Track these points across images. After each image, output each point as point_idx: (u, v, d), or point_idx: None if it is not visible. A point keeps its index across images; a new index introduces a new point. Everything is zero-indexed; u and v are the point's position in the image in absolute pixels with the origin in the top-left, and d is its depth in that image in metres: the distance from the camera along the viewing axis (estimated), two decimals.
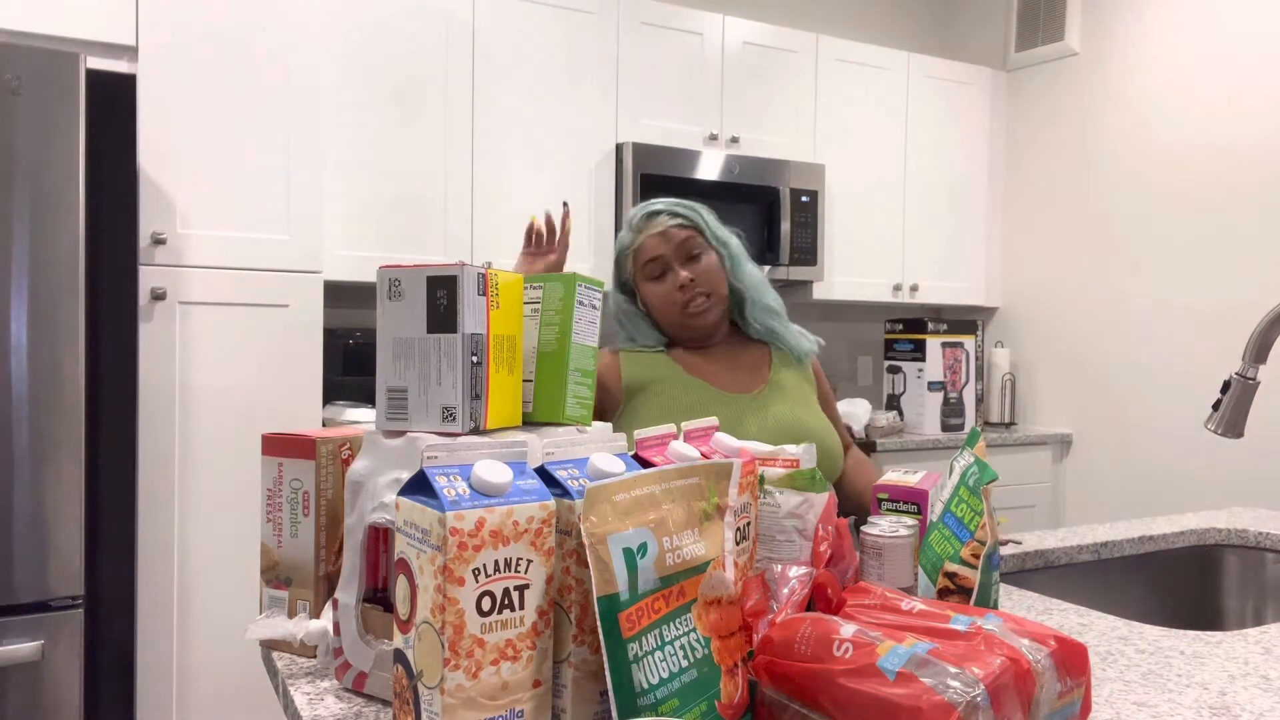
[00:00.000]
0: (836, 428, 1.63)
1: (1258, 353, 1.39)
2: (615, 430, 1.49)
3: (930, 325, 3.74)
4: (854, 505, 1.56)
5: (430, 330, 0.88)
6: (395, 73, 2.78)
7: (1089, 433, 3.71)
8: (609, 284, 1.60)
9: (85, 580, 2.04)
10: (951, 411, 3.75)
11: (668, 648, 0.73)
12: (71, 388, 1.99)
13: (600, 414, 1.53)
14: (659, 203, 1.56)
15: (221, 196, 2.29)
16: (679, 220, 1.53)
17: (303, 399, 2.39)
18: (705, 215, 1.57)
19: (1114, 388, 3.62)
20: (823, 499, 0.95)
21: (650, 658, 0.71)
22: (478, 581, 0.70)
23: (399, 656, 0.76)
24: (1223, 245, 3.26)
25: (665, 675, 0.72)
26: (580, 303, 0.98)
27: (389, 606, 0.91)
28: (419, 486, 0.75)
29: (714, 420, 1.06)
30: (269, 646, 1.02)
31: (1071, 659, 0.76)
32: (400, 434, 0.88)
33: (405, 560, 0.74)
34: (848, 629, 0.74)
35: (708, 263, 1.54)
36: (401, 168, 2.79)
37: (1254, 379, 1.40)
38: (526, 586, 0.73)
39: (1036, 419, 3.93)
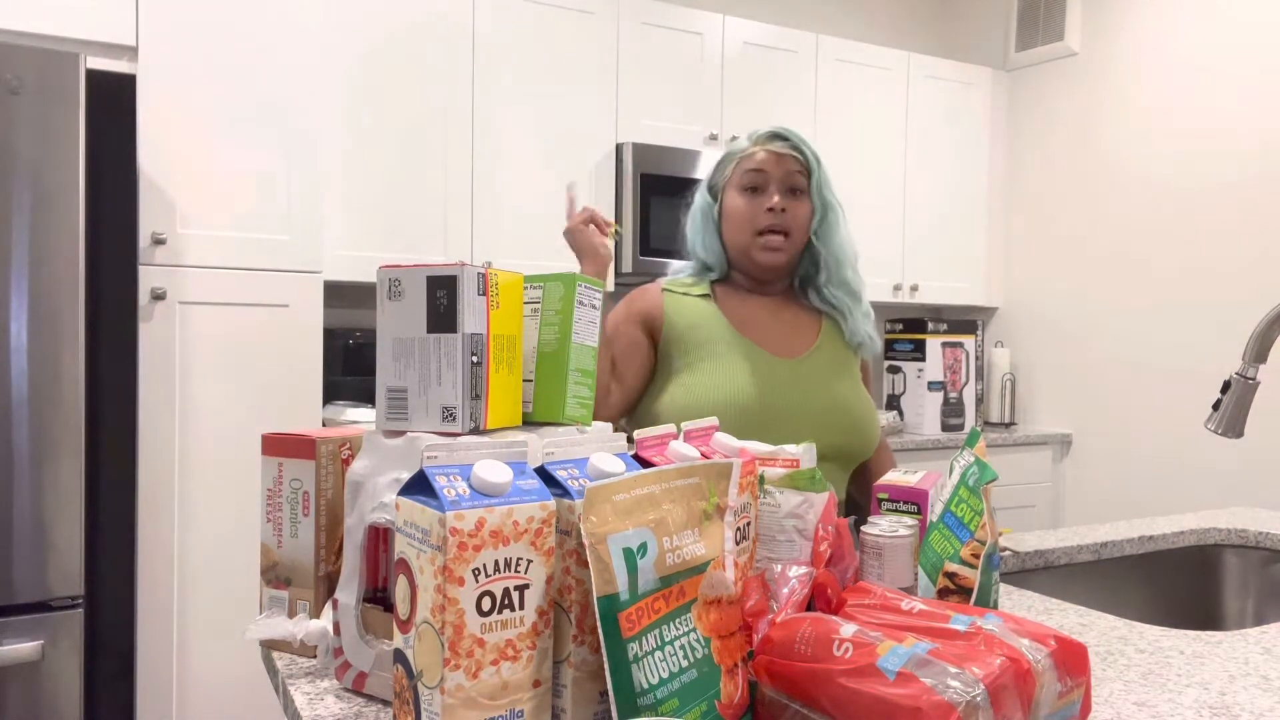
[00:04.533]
0: None
1: (1258, 353, 1.39)
2: (664, 388, 1.49)
3: (930, 325, 3.74)
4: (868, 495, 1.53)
5: (430, 330, 0.88)
6: (395, 72, 2.78)
7: (1089, 433, 3.71)
8: (702, 189, 1.59)
9: (85, 580, 2.04)
10: (951, 411, 3.75)
11: (668, 648, 0.73)
12: (71, 388, 1.99)
13: (626, 351, 1.50)
14: (789, 132, 1.53)
15: (221, 196, 2.29)
16: (798, 155, 1.51)
17: (303, 399, 2.39)
18: (821, 168, 1.53)
19: (1114, 388, 3.61)
20: (823, 499, 0.95)
21: (650, 658, 0.71)
22: (478, 581, 0.70)
23: (399, 656, 0.76)
24: (1223, 244, 3.26)
25: (665, 675, 0.72)
26: (580, 303, 0.98)
27: (389, 606, 0.91)
28: (419, 486, 0.75)
29: (714, 420, 1.06)
30: (269, 646, 1.02)
31: (1071, 659, 0.76)
32: (400, 434, 0.88)
33: (405, 560, 0.74)
34: (848, 629, 0.74)
35: (801, 207, 1.51)
36: (401, 167, 2.79)
37: (1254, 379, 1.40)
38: (526, 586, 0.73)
39: (1036, 419, 3.93)
